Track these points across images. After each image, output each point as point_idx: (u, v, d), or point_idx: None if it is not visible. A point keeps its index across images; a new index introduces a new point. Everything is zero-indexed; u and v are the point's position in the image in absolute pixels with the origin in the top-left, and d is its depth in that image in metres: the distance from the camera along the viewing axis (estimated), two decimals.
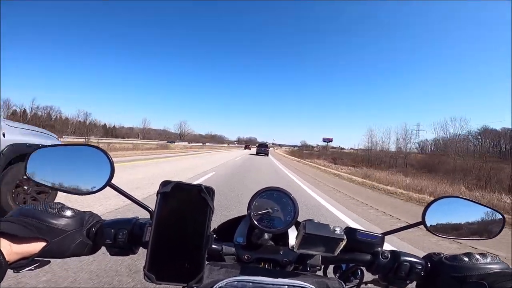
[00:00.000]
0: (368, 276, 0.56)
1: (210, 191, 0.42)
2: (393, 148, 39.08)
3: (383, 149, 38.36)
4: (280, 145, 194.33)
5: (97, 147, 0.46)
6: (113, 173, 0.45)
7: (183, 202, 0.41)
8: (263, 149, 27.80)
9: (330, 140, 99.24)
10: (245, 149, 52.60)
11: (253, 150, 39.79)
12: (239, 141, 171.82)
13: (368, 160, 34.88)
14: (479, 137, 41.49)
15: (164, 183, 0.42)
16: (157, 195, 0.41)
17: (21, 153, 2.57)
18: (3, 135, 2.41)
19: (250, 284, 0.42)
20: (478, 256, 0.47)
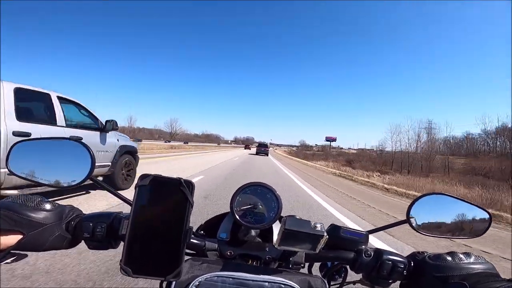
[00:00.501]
0: (353, 275, 0.56)
1: (189, 185, 0.42)
2: (408, 148, 33.84)
3: (407, 149, 31.87)
4: (279, 145, 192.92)
5: (78, 141, 0.46)
6: (94, 167, 0.45)
7: (162, 196, 0.41)
8: (262, 149, 28.83)
9: (334, 140, 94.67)
10: (245, 149, 54.98)
11: (253, 150, 40.76)
12: (236, 141, 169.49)
13: (390, 163, 29.60)
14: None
15: (142, 176, 0.41)
16: (135, 188, 0.41)
17: (125, 150, 4.77)
18: (118, 140, 4.61)
19: (230, 279, 0.42)
20: (461, 256, 0.46)
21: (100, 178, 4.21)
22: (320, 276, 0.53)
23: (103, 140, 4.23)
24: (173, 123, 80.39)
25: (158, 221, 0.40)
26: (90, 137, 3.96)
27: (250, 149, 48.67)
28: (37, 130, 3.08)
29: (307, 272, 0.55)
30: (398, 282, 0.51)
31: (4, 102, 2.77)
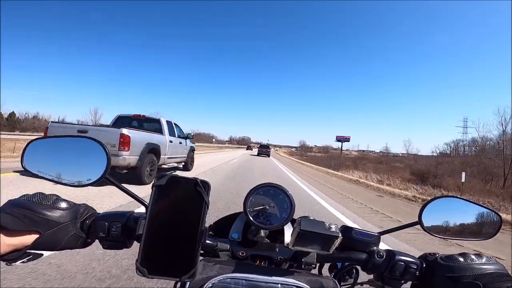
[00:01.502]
0: (363, 276, 0.56)
1: (205, 185, 0.42)
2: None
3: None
4: (280, 147, 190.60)
5: (94, 139, 0.46)
6: (109, 165, 0.44)
7: (178, 196, 0.41)
8: (264, 150, 29.98)
9: (347, 139, 79.18)
10: (247, 149, 56.14)
11: (254, 151, 40.51)
12: (231, 141, 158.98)
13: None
14: None
15: (159, 176, 0.41)
16: (152, 188, 0.41)
17: (192, 149, 7.88)
18: (190, 143, 7.54)
19: (244, 281, 0.42)
20: (473, 257, 0.47)
21: (182, 164, 7.78)
22: (331, 276, 0.53)
23: (185, 144, 7.37)
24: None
25: (174, 221, 0.40)
26: (180, 141, 6.99)
27: (252, 150, 50.43)
28: (170, 139, 6.35)
29: (317, 273, 0.55)
30: (409, 283, 0.51)
31: (163, 127, 6.15)
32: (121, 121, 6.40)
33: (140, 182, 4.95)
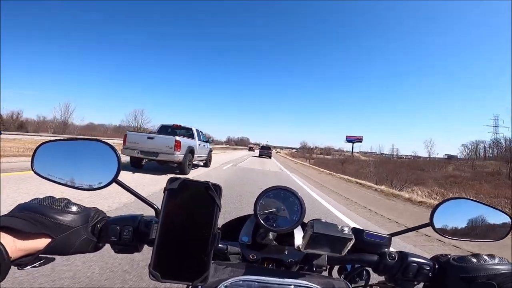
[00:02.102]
0: (373, 277, 0.56)
1: (217, 188, 0.41)
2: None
3: None
4: (281, 148, 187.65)
5: (105, 142, 0.45)
6: (120, 169, 0.44)
7: (190, 199, 0.41)
8: (265, 151, 30.24)
9: (359, 140, 71.57)
10: (249, 150, 56.31)
11: (254, 152, 40.55)
12: (229, 141, 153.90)
13: None
14: None
15: (171, 180, 0.41)
16: (164, 192, 0.41)
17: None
18: (209, 146, 10.31)
19: (256, 283, 0.42)
20: (486, 257, 0.47)
21: (203, 162, 9.70)
22: (342, 279, 0.53)
23: (206, 146, 9.57)
24: (137, 115, 52.29)
25: (186, 225, 0.40)
26: (204, 144, 9.21)
27: (254, 151, 50.88)
28: (198, 142, 8.38)
29: (327, 275, 0.55)
30: (421, 284, 0.51)
31: (194, 134, 8.20)
32: (164, 129, 8.55)
33: (183, 172, 7.02)
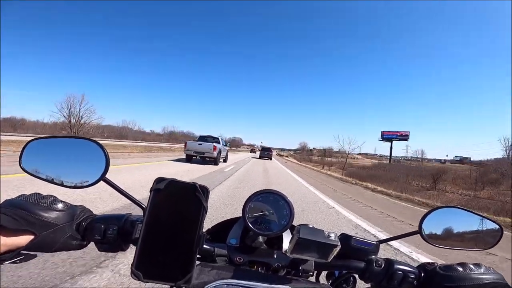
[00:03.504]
0: (360, 284, 0.55)
1: (204, 190, 0.41)
2: None
3: None
4: (282, 150, 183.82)
5: (93, 141, 0.45)
6: (108, 167, 0.44)
7: (177, 200, 0.41)
8: (266, 152, 30.31)
9: (405, 137, 49.40)
10: (250, 152, 56.82)
11: (256, 153, 40.07)
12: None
13: None
14: None
15: (158, 180, 0.41)
16: (150, 192, 0.41)
17: (219, 150, 12.10)
18: (227, 148, 16.37)
19: (240, 287, 0.42)
20: (472, 266, 0.46)
21: (221, 160, 13.28)
22: (328, 285, 0.53)
23: (225, 148, 14.64)
24: (70, 102, 34.02)
25: (171, 226, 0.40)
26: (225, 147, 14.42)
27: (255, 152, 51.19)
28: (223, 146, 13.51)
29: (314, 281, 0.55)
30: None
31: (220, 140, 13.21)
32: (202, 138, 13.17)
33: (216, 164, 11.53)
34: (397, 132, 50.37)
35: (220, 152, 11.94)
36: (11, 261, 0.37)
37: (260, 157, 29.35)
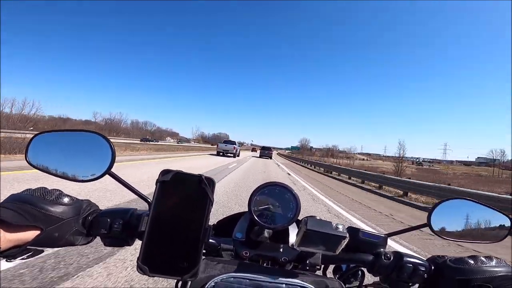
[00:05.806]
0: (368, 278, 0.55)
1: (210, 182, 0.41)
2: None
3: None
4: (279, 149, 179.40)
5: (99, 134, 0.45)
6: (114, 161, 0.44)
7: (183, 193, 0.40)
8: (266, 152, 30.91)
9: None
10: (252, 151, 56.63)
11: (247, 153, 41.26)
12: (198, 139, 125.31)
13: None
14: None
15: (164, 172, 0.40)
16: (156, 184, 0.40)
17: (238, 149, 24.75)
18: (238, 147, 26.55)
19: (247, 281, 0.41)
20: (483, 259, 0.46)
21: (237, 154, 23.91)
22: (336, 278, 0.52)
23: (237, 147, 24.09)
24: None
25: (177, 219, 0.39)
26: (238, 145, 25.23)
27: (256, 152, 51.27)
28: (238, 145, 24.90)
29: (321, 274, 0.54)
30: (416, 285, 0.50)
31: (236, 142, 25.22)
32: (226, 140, 25.94)
33: (234, 157, 21.25)
34: None
35: (237, 150, 22.17)
36: (20, 257, 0.37)
37: (260, 156, 30.27)
